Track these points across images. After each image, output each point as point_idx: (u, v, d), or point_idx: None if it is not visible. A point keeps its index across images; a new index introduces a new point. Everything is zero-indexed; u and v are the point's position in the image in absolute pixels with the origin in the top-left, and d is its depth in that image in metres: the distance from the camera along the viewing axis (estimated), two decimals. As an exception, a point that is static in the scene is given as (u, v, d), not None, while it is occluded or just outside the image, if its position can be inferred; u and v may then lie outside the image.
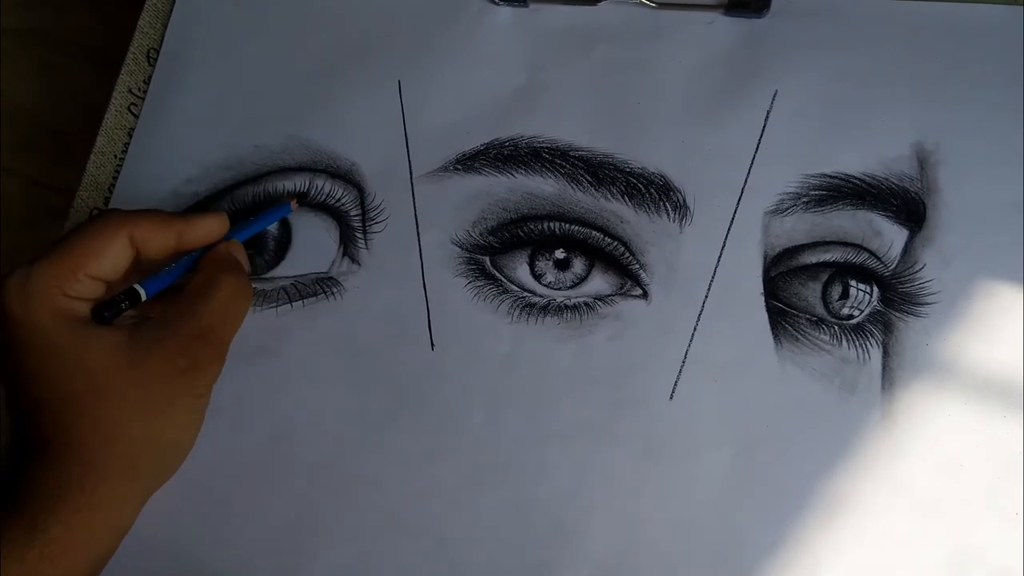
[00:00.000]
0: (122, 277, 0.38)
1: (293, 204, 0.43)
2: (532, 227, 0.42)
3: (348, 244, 0.43)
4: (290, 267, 0.43)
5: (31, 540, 0.33)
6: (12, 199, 0.87)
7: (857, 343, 0.40)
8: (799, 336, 0.40)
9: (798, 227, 0.41)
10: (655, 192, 0.42)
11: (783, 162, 0.42)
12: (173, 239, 0.39)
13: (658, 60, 0.45)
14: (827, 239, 0.41)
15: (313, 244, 0.44)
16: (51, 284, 0.36)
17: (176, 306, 0.37)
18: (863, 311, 0.40)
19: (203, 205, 0.45)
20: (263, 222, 0.43)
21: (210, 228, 0.40)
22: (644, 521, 0.38)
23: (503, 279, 0.42)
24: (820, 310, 0.40)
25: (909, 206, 0.41)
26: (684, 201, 0.42)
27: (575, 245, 0.42)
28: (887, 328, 0.40)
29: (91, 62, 0.87)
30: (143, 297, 0.38)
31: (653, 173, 0.43)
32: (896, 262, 0.41)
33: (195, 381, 0.37)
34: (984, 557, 0.37)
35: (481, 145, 0.44)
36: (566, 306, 0.41)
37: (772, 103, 0.43)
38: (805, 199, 0.42)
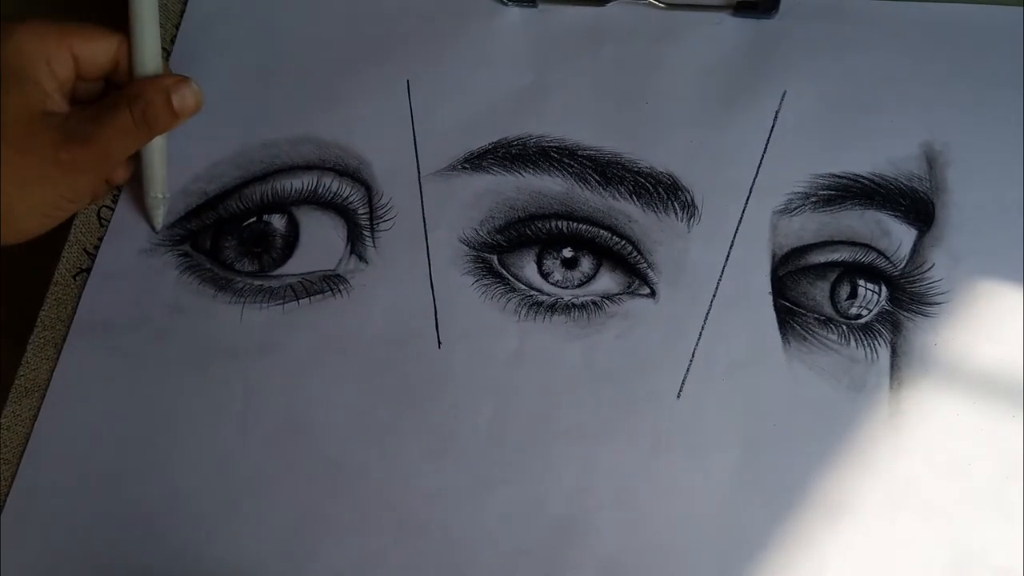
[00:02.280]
0: (95, 79, 0.43)
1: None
2: (540, 226, 0.42)
3: (356, 242, 0.43)
4: (297, 264, 0.43)
5: None
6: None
7: (865, 342, 0.40)
8: (807, 335, 0.40)
9: (806, 227, 0.41)
10: (663, 191, 0.42)
11: (792, 162, 0.42)
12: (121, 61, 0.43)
13: (667, 60, 0.45)
14: (836, 239, 0.41)
15: (321, 242, 0.44)
16: (35, 41, 0.40)
17: (86, 111, 0.41)
18: (871, 311, 0.40)
19: (211, 203, 0.45)
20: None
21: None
22: (651, 519, 0.38)
23: (510, 278, 0.42)
24: (828, 309, 0.40)
25: (918, 206, 0.41)
26: (692, 200, 0.42)
27: (583, 244, 0.42)
28: (895, 328, 0.40)
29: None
30: None
31: (661, 172, 0.43)
32: (905, 262, 0.41)
33: (66, 175, 0.40)
34: (989, 557, 0.37)
35: (489, 144, 0.44)
36: (573, 305, 0.41)
37: (781, 103, 0.44)
38: (814, 199, 0.42)
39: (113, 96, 0.41)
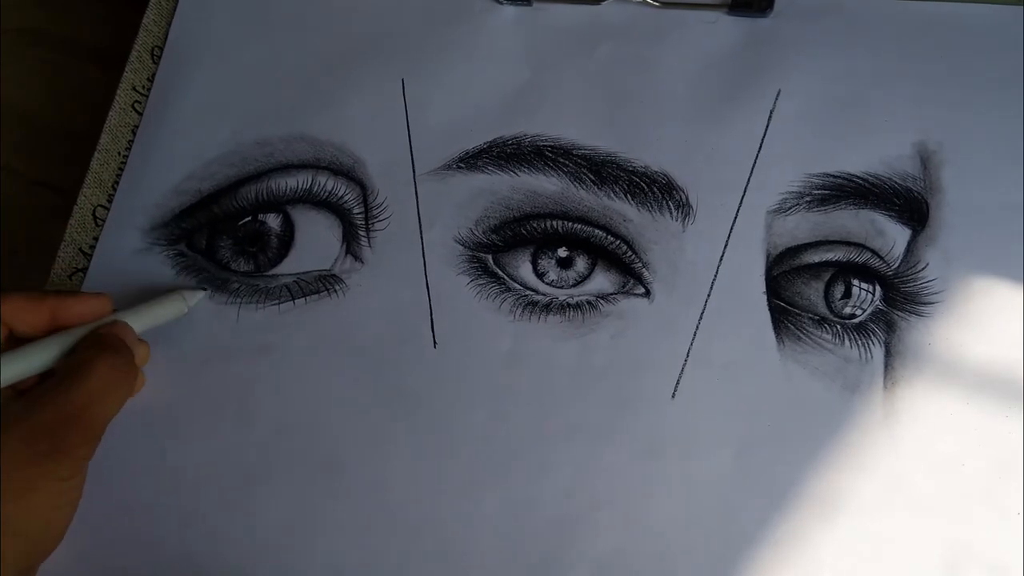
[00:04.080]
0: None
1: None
2: (535, 225, 0.42)
3: (351, 242, 0.43)
4: (293, 264, 0.43)
5: None
6: (12, 199, 0.87)
7: (859, 342, 0.40)
8: (801, 335, 0.40)
9: (801, 226, 0.41)
10: (658, 191, 0.42)
11: (786, 161, 0.42)
12: (46, 317, 0.38)
13: (661, 59, 0.45)
14: (830, 238, 0.41)
15: (316, 241, 0.44)
16: None
17: (46, 387, 0.36)
18: (865, 310, 0.40)
19: (206, 202, 0.45)
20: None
21: (88, 307, 0.39)
22: (646, 519, 0.38)
23: (506, 277, 0.42)
24: (822, 309, 0.40)
25: (912, 205, 0.41)
26: (687, 200, 0.42)
27: (578, 244, 0.42)
28: (889, 327, 0.40)
29: (91, 61, 0.87)
30: None
31: (656, 172, 0.43)
32: (899, 261, 0.41)
33: (58, 465, 0.35)
34: (984, 556, 0.37)
35: (484, 143, 0.44)
36: (568, 304, 0.41)
37: (775, 102, 0.44)
38: (808, 198, 0.42)
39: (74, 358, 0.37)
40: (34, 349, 0.38)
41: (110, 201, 0.46)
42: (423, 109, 0.45)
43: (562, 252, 0.42)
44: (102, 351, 0.37)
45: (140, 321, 0.41)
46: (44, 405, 0.35)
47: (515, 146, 0.44)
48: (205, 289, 0.43)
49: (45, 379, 0.38)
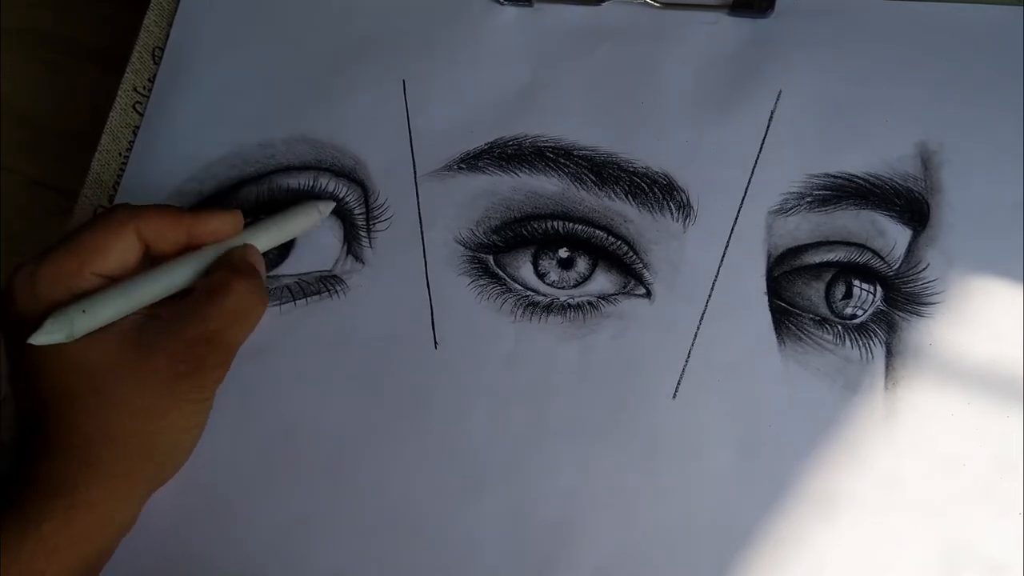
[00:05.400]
0: (132, 272, 0.38)
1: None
2: (536, 226, 0.42)
3: (352, 242, 0.43)
4: (294, 265, 0.43)
5: (26, 535, 0.33)
6: (12, 199, 0.87)
7: (860, 342, 0.40)
8: (802, 335, 0.40)
9: (802, 227, 0.41)
10: (659, 191, 0.43)
11: (787, 162, 0.42)
12: (183, 234, 0.38)
13: (662, 60, 0.45)
14: (831, 239, 0.41)
15: (317, 242, 0.44)
16: (58, 282, 0.36)
17: (184, 307, 0.37)
18: (866, 311, 0.40)
19: (206, 203, 0.45)
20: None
21: (222, 224, 0.39)
22: (647, 520, 0.38)
23: (506, 278, 0.42)
24: (823, 310, 0.40)
25: (913, 206, 0.41)
26: (688, 200, 0.42)
27: (579, 244, 0.42)
28: (890, 328, 0.40)
29: (91, 62, 0.87)
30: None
31: (657, 172, 0.43)
32: (900, 262, 0.41)
33: (196, 386, 0.36)
34: (984, 556, 0.37)
35: (485, 144, 0.44)
36: (569, 305, 0.42)
37: (776, 103, 0.44)
38: (809, 199, 0.42)
39: (209, 281, 0.38)
40: (172, 268, 0.38)
41: (110, 202, 0.46)
42: (424, 110, 0.45)
43: (563, 253, 0.42)
44: (237, 274, 0.38)
45: (275, 235, 0.41)
46: (185, 327, 0.36)
47: (516, 147, 0.44)
48: (337, 199, 0.43)
49: (173, 301, 0.38)
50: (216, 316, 0.36)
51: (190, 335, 0.36)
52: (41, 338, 0.34)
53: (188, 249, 0.39)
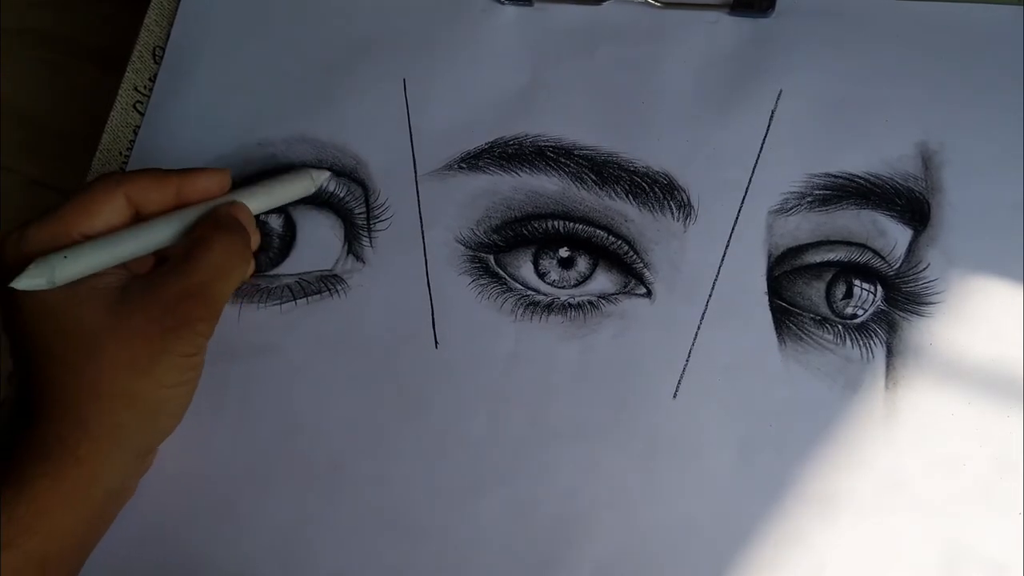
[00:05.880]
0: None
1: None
2: (536, 225, 0.42)
3: (352, 242, 0.43)
4: (294, 264, 0.43)
5: (20, 495, 0.33)
6: (12, 199, 0.87)
7: (861, 342, 0.40)
8: (803, 335, 0.40)
9: (802, 226, 0.41)
10: (659, 191, 0.43)
11: (787, 162, 0.42)
12: (171, 194, 0.39)
13: (662, 59, 0.45)
14: (831, 238, 0.41)
15: (317, 241, 0.44)
16: (46, 244, 0.36)
17: (167, 263, 0.37)
18: (867, 310, 0.40)
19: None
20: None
21: (209, 181, 0.40)
22: (647, 520, 0.38)
23: (507, 277, 0.42)
24: (824, 309, 0.40)
25: (913, 206, 0.41)
26: (688, 200, 0.42)
27: (579, 244, 0.42)
28: (891, 327, 0.40)
29: (91, 62, 0.88)
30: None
31: (657, 172, 0.43)
32: (900, 262, 0.41)
33: (182, 340, 0.36)
34: (985, 556, 0.37)
35: (485, 144, 0.44)
36: (570, 305, 0.42)
37: (777, 103, 0.44)
38: (809, 198, 0.42)
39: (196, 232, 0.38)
40: (157, 223, 0.38)
41: (111, 201, 0.46)
42: (424, 109, 0.45)
43: (563, 252, 0.42)
44: (219, 229, 0.38)
45: (266, 200, 0.41)
46: (168, 282, 0.36)
47: (516, 146, 0.44)
48: (331, 170, 0.44)
49: (161, 261, 0.39)
50: (199, 269, 0.37)
51: (174, 289, 0.36)
52: (22, 282, 0.35)
53: (178, 208, 0.39)
